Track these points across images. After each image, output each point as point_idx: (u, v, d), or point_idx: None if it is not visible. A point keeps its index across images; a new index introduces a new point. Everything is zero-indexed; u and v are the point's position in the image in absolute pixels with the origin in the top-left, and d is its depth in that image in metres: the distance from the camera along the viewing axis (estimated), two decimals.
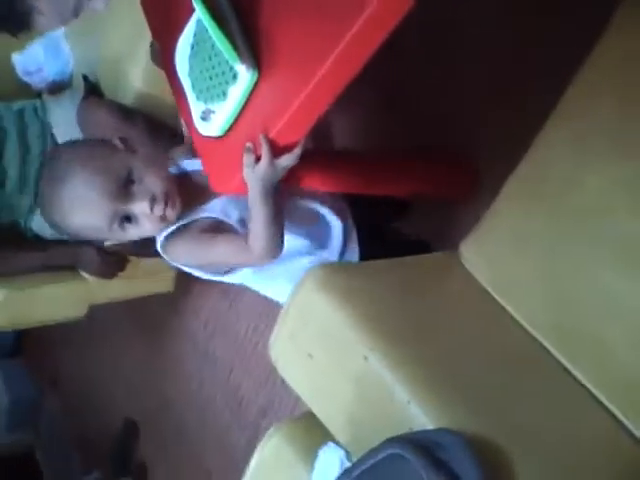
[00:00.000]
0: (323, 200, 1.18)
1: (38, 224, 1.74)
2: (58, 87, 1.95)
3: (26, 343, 3.44)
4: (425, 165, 1.36)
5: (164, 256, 1.14)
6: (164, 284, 2.21)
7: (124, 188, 1.04)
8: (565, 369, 0.97)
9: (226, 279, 1.18)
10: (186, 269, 1.17)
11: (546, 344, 0.99)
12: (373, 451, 0.78)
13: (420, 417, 0.83)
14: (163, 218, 1.06)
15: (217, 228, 1.09)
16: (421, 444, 0.75)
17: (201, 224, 1.10)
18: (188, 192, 1.11)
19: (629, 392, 0.91)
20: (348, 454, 0.96)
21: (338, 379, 0.90)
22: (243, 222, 1.08)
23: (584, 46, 0.99)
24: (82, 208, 1.04)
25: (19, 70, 1.96)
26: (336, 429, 0.94)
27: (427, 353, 0.90)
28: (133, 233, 1.08)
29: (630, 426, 0.91)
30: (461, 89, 1.45)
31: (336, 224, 1.18)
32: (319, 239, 1.18)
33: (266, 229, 1.00)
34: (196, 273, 1.17)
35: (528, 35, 1.33)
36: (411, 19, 0.78)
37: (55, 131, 1.76)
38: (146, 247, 1.21)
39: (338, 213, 1.19)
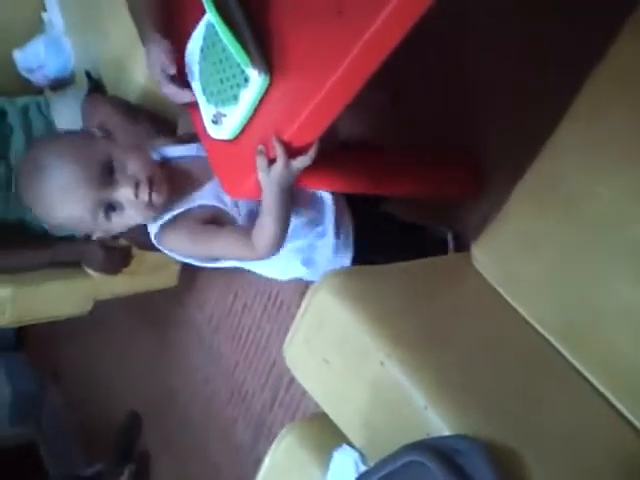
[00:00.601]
0: None
1: None
2: (60, 84, 1.94)
3: (28, 336, 3.43)
4: (432, 165, 1.36)
5: (157, 245, 1.12)
6: (168, 279, 2.21)
7: (106, 176, 1.01)
8: (577, 372, 0.98)
9: (220, 265, 1.17)
10: (177, 257, 1.15)
11: (558, 346, 1.00)
12: (391, 457, 0.79)
13: (437, 422, 0.83)
14: (149, 204, 1.03)
15: (214, 216, 1.08)
16: (440, 451, 0.76)
17: (198, 213, 1.08)
18: (175, 179, 1.09)
19: None
20: (363, 457, 0.96)
21: (354, 384, 0.91)
22: (238, 207, 1.08)
23: (595, 48, 0.99)
24: (64, 198, 1.01)
25: (20, 67, 1.94)
26: (351, 433, 0.95)
27: (443, 358, 0.90)
28: (119, 222, 1.05)
29: None
30: (469, 89, 1.44)
31: (327, 197, 1.17)
32: (314, 216, 1.17)
33: (275, 230, 1.00)
34: (187, 260, 1.16)
35: (538, 36, 1.32)
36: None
37: (59, 128, 1.75)
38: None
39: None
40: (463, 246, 1.42)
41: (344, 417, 0.95)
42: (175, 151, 1.15)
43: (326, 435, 1.04)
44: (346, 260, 1.22)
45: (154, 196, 1.03)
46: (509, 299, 1.06)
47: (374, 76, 0.86)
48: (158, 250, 1.72)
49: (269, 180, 0.94)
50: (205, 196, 1.08)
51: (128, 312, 2.70)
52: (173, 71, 1.02)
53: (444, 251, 1.43)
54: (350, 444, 0.98)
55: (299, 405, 1.90)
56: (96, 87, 1.83)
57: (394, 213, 1.45)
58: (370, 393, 0.88)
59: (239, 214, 1.08)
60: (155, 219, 1.09)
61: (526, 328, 1.04)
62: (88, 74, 1.86)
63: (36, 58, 1.94)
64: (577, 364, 0.99)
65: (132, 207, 1.03)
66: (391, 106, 1.57)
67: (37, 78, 1.98)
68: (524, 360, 1.00)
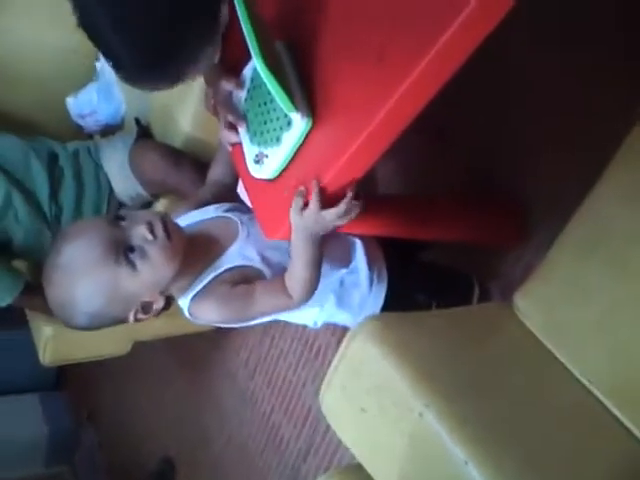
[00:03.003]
0: None
1: None
2: (110, 130, 2.00)
3: (68, 376, 3.47)
4: (475, 211, 1.34)
5: (191, 319, 1.08)
6: None
7: (116, 225, 1.00)
8: (626, 429, 0.93)
9: (255, 322, 1.13)
10: (214, 324, 1.12)
11: (606, 402, 0.96)
12: None
13: (477, 478, 0.80)
14: (168, 241, 0.99)
15: (243, 276, 1.06)
16: None
17: (226, 277, 1.05)
18: (198, 246, 1.06)
19: None
20: None
21: (391, 435, 0.88)
22: (266, 260, 1.07)
23: None
24: (84, 262, 0.98)
25: (73, 113, 2.02)
26: None
27: (484, 410, 0.87)
28: (146, 271, 0.99)
29: None
30: (514, 134, 1.43)
31: (357, 239, 1.15)
32: (343, 255, 1.15)
33: (307, 273, 0.99)
34: (224, 325, 1.12)
35: (589, 83, 1.31)
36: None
37: (108, 173, 1.80)
38: None
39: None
40: (488, 298, 1.41)
41: (380, 469, 0.92)
42: (191, 217, 1.14)
43: None
44: (379, 300, 1.19)
45: (171, 230, 1.00)
46: (553, 350, 1.02)
47: (417, 119, 0.86)
48: None
49: (300, 222, 0.94)
50: (230, 259, 1.06)
51: (165, 354, 2.71)
52: (238, 85, 1.02)
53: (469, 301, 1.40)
54: None
55: (335, 455, 1.86)
56: (144, 133, 1.89)
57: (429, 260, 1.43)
58: (407, 445, 0.85)
59: (267, 267, 1.06)
60: (184, 292, 1.06)
61: (571, 381, 1.00)
62: (137, 121, 1.91)
63: (88, 104, 2.01)
64: (627, 422, 0.95)
65: (152, 247, 0.99)
66: (434, 149, 1.57)
67: (88, 124, 2.05)
68: (569, 415, 0.96)
